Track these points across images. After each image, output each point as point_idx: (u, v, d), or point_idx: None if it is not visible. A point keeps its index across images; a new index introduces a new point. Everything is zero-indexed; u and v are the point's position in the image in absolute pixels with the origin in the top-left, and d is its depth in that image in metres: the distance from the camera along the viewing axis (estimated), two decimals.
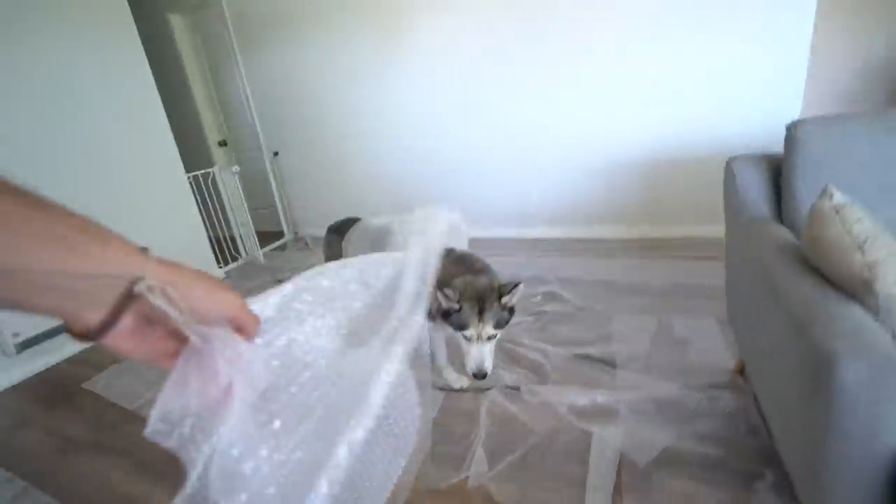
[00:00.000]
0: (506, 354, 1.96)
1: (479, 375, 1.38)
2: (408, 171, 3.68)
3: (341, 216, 3.95)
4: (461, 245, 1.70)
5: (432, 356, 1.80)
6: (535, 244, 3.25)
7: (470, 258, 1.56)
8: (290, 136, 4.05)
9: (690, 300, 2.20)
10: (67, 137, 2.62)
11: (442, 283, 1.40)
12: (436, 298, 1.35)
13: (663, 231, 3.00)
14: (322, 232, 4.24)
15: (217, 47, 4.01)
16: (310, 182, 4.16)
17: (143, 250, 0.36)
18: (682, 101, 2.71)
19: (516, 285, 1.39)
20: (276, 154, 4.13)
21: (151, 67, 4.15)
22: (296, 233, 4.36)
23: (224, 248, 3.63)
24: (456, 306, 1.33)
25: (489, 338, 1.39)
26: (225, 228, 3.74)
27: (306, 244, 4.00)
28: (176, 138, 4.36)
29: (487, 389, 1.76)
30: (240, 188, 3.56)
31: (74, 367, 2.45)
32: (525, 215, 3.39)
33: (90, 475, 1.65)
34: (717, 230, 2.71)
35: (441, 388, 1.82)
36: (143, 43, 4.03)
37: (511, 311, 1.44)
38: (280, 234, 4.27)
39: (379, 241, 1.50)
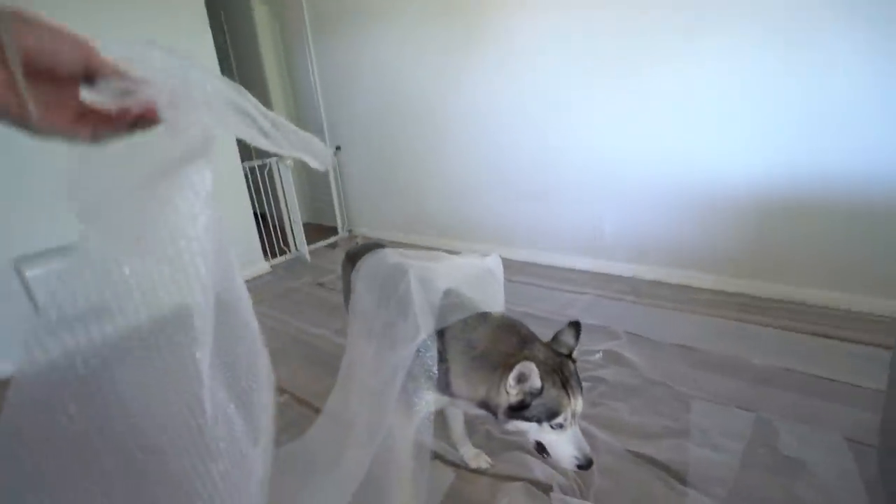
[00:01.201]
0: None
1: (588, 465, 1.06)
2: (471, 180, 3.34)
3: (397, 220, 3.71)
4: (497, 295, 1.34)
5: (448, 427, 1.46)
6: (606, 282, 2.76)
7: (517, 324, 1.20)
8: (354, 132, 3.89)
9: (808, 398, 1.63)
10: None
11: (499, 362, 1.07)
12: (501, 391, 1.05)
13: (776, 290, 2.37)
14: (375, 234, 4.08)
15: (293, 38, 3.95)
16: (368, 181, 3.98)
17: None
18: (821, 132, 2.08)
19: (577, 329, 1.15)
20: (338, 148, 3.99)
21: (233, 55, 4.22)
22: (349, 231, 4.22)
23: (273, 241, 3.56)
24: (538, 385, 1.01)
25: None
26: (277, 221, 3.67)
27: (356, 244, 3.82)
28: None
29: (511, 480, 1.38)
30: (292, 183, 3.45)
31: None
32: (597, 245, 2.91)
33: None
34: (860, 301, 2.08)
35: (453, 464, 1.47)
36: (228, 30, 4.10)
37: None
38: (334, 231, 4.15)
39: (390, 282, 1.19)
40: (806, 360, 1.83)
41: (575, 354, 1.14)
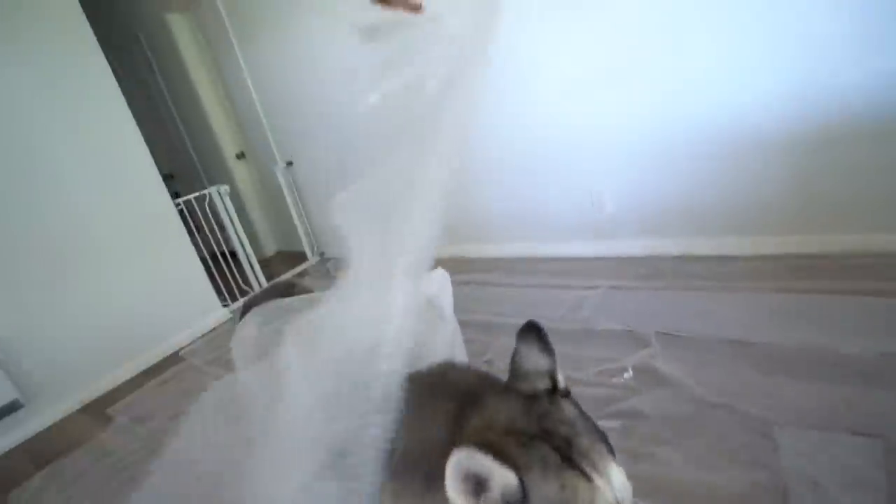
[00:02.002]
0: None
1: None
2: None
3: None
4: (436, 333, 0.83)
5: None
6: (620, 267, 2.24)
7: (449, 375, 0.69)
8: (306, 145, 3.39)
9: None
10: (26, 180, 2.17)
11: (422, 463, 0.59)
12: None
13: (836, 242, 1.84)
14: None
15: (221, 49, 3.47)
16: (329, 195, 3.47)
17: None
18: (869, 33, 1.54)
19: (539, 335, 0.63)
20: (289, 164, 3.50)
21: (161, 76, 3.74)
22: (322, 254, 3.73)
23: (229, 280, 3.08)
24: (513, 484, 0.48)
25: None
26: (230, 255, 3.19)
27: (328, 271, 3.34)
28: (195, 153, 3.96)
29: None
30: (231, 210, 2.97)
31: (13, 463, 1.96)
32: (601, 224, 2.38)
33: None
34: None
35: None
36: (150, 49, 3.63)
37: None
38: (303, 257, 3.66)
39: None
40: None
41: (562, 382, 0.63)
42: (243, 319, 0.93)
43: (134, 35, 3.64)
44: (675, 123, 1.99)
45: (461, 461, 0.47)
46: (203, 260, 2.89)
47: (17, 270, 2.15)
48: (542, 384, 0.60)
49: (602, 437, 0.56)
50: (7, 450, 2.04)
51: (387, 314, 0.74)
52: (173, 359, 2.55)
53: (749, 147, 1.88)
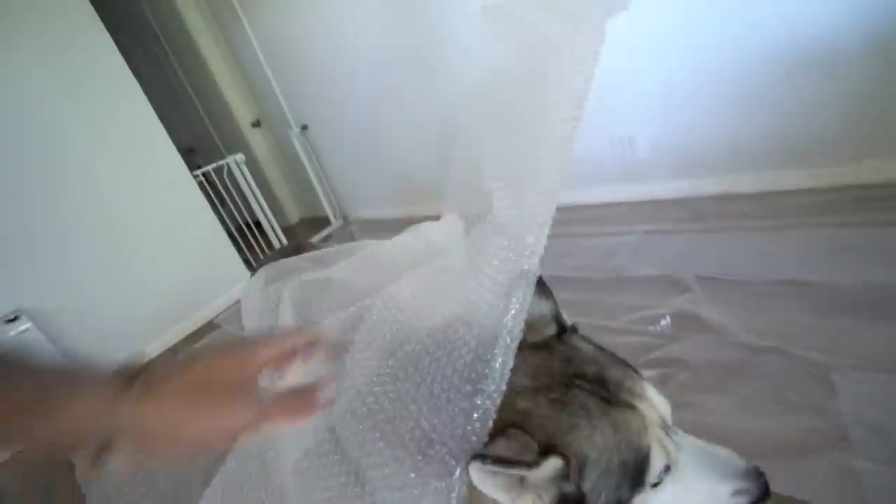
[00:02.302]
0: None
1: (765, 492, 0.48)
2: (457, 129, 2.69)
3: (387, 194, 3.14)
4: (449, 283, 0.75)
5: None
6: (657, 210, 2.09)
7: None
8: (321, 109, 3.29)
9: None
10: (51, 167, 2.19)
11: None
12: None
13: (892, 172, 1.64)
14: (371, 214, 3.54)
15: (226, 16, 3.34)
16: (348, 159, 3.40)
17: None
18: None
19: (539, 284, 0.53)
20: (304, 128, 3.43)
21: (171, 50, 3.68)
22: (344, 218, 3.70)
23: (255, 250, 3.11)
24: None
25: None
26: (256, 225, 3.21)
27: (352, 234, 3.32)
28: (211, 125, 3.94)
29: None
30: (249, 178, 2.95)
31: None
32: (633, 165, 2.22)
33: None
34: None
35: None
36: (156, 25, 3.56)
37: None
38: (327, 222, 3.64)
39: (265, 319, 0.67)
40: None
41: (567, 320, 0.57)
42: (252, 278, 0.89)
43: (140, 11, 3.55)
44: (711, 46, 1.78)
45: (482, 479, 0.41)
46: (230, 233, 2.92)
47: (56, 252, 2.21)
48: (550, 331, 0.53)
49: (624, 361, 0.52)
50: None
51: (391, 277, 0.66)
52: (209, 327, 2.63)
53: (801, 67, 1.66)
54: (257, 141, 3.93)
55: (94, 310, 2.31)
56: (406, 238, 0.83)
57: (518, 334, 0.46)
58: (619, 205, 2.26)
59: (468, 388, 0.45)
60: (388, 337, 0.55)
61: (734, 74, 1.79)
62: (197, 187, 2.75)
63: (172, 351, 2.49)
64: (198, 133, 4.06)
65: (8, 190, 2.08)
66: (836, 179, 1.75)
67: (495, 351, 0.45)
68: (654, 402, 0.49)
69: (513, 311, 0.46)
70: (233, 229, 3.00)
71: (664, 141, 2.08)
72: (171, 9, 3.40)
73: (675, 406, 1.03)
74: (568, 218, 2.31)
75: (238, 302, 2.80)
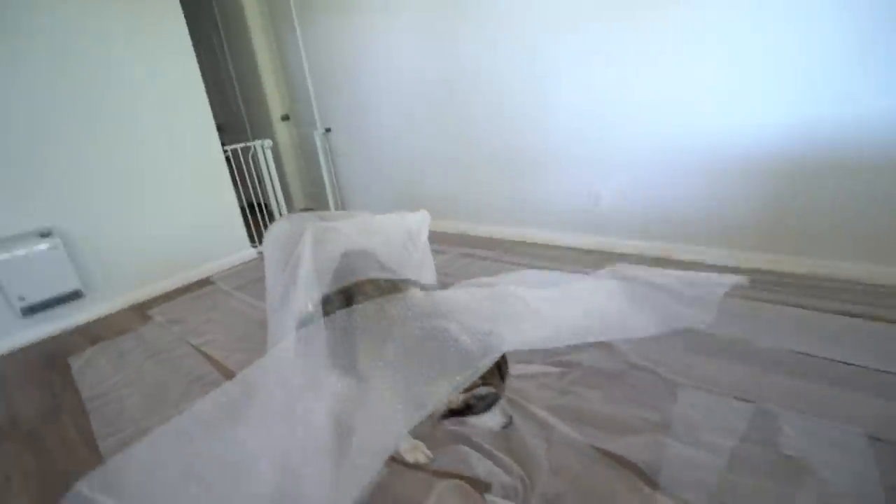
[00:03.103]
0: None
1: (510, 423, 1.10)
2: (455, 157, 3.12)
3: (387, 200, 3.53)
4: (412, 256, 1.13)
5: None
6: (604, 260, 2.49)
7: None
8: (344, 114, 3.73)
9: (824, 386, 1.35)
10: (106, 111, 2.56)
11: None
12: None
13: (794, 264, 2.06)
14: None
15: (282, 21, 3.82)
16: (359, 162, 3.82)
17: None
18: (843, 78, 1.74)
19: None
20: (327, 130, 3.85)
21: (225, 37, 4.14)
22: None
23: (260, 227, 3.46)
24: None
25: None
26: (265, 206, 3.56)
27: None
28: (245, 110, 4.36)
29: (449, 477, 1.18)
30: (271, 163, 3.33)
31: (72, 338, 2.38)
32: (595, 219, 2.63)
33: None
34: (891, 274, 1.77)
35: (391, 458, 1.29)
36: (216, 7, 4.01)
37: None
38: None
39: (290, 246, 1.02)
40: (825, 342, 1.53)
41: None
42: (278, 220, 1.24)
43: (209, 1, 4.03)
44: (671, 134, 2.22)
45: (485, 396, 0.85)
46: (241, 208, 3.27)
47: (91, 183, 2.54)
48: None
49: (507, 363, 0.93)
50: (70, 328, 2.47)
51: (377, 233, 1.05)
52: (205, 282, 2.94)
53: (733, 167, 2.09)
54: (282, 133, 4.34)
55: (110, 243, 2.63)
56: (392, 216, 1.22)
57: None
58: (579, 250, 2.66)
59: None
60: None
61: (679, 161, 2.23)
62: (223, 160, 3.12)
63: (167, 296, 2.79)
64: (230, 114, 4.48)
65: (68, 124, 2.43)
66: (747, 263, 2.16)
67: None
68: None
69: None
70: (245, 205, 3.35)
71: (622, 203, 2.50)
72: (235, 3, 3.87)
73: (562, 393, 1.39)
74: (536, 252, 2.71)
75: (234, 267, 3.13)
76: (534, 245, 2.85)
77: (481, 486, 1.14)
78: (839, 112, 1.79)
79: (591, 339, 1.51)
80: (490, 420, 0.99)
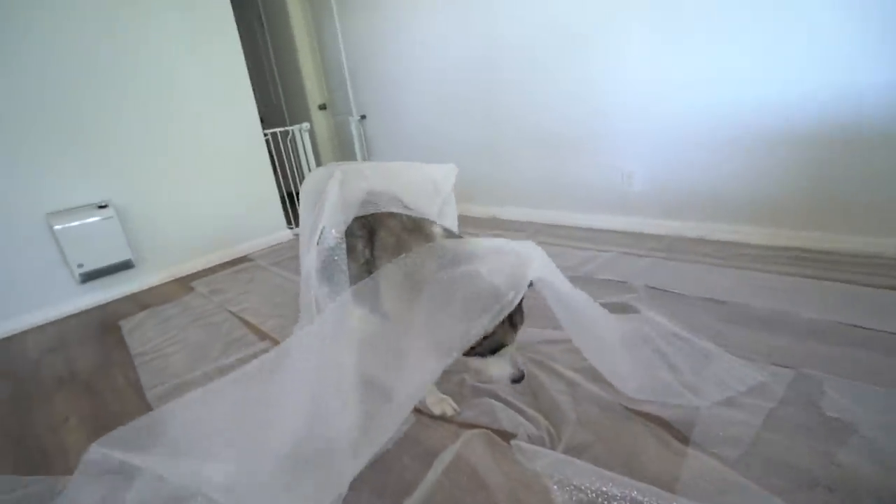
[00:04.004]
0: (530, 381, 1.35)
1: (521, 377, 1.02)
2: (486, 140, 3.13)
3: None
4: (433, 203, 1.16)
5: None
6: (637, 240, 2.44)
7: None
8: (379, 100, 3.81)
9: (869, 353, 1.28)
10: (158, 97, 2.72)
11: None
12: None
13: (841, 242, 1.95)
14: None
15: (321, 7, 3.93)
16: (393, 147, 3.88)
17: None
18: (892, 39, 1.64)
19: None
20: (363, 117, 3.94)
21: (268, 28, 4.30)
22: None
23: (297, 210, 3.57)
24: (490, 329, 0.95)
25: None
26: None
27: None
28: (284, 100, 4.51)
29: (472, 428, 1.20)
30: (308, 145, 3.44)
31: (123, 305, 2.54)
32: (628, 200, 2.58)
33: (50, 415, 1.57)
34: None
35: (416, 409, 1.31)
36: (262, 4, 4.18)
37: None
38: None
39: (320, 186, 1.07)
40: (874, 315, 1.45)
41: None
42: (311, 172, 1.29)
43: None
44: (708, 110, 2.16)
45: None
46: (281, 196, 3.40)
47: (144, 162, 2.71)
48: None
49: (523, 313, 1.00)
50: (121, 296, 2.64)
51: (401, 178, 1.09)
52: (244, 259, 3.08)
53: (775, 141, 2.01)
54: (319, 122, 4.47)
55: (158, 218, 2.79)
56: (418, 164, 1.26)
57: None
58: (610, 232, 2.61)
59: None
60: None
61: (716, 137, 2.16)
62: (264, 143, 3.25)
63: (209, 271, 2.93)
64: (270, 105, 4.64)
65: (127, 108, 2.60)
66: (787, 241, 2.07)
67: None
68: (517, 333, 0.99)
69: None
70: (283, 194, 3.48)
71: (655, 184, 2.44)
72: None
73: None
74: (566, 234, 2.68)
75: (272, 246, 3.25)
76: (564, 227, 2.82)
77: (506, 436, 1.15)
78: (891, 78, 1.69)
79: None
80: (497, 367, 0.99)
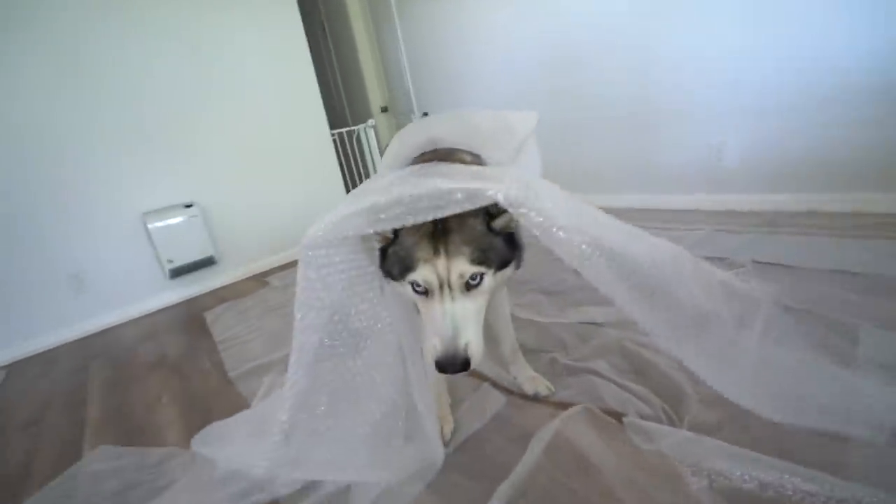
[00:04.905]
0: (633, 359, 1.21)
1: (451, 365, 0.71)
2: (561, 125, 2.99)
3: None
4: (507, 146, 1.05)
5: (496, 341, 1.19)
6: (731, 217, 2.20)
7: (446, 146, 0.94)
8: (440, 97, 3.79)
9: None
10: (235, 102, 2.87)
11: None
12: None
13: None
14: None
15: (381, 10, 4.01)
16: None
17: None
18: None
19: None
20: (424, 115, 3.93)
21: (330, 36, 4.45)
22: None
23: None
24: (390, 235, 0.78)
25: (467, 287, 0.73)
26: None
27: None
28: (347, 104, 4.63)
29: (578, 406, 1.07)
30: (373, 141, 3.48)
31: (206, 298, 2.66)
32: (718, 176, 2.34)
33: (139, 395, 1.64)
34: None
35: (506, 390, 1.21)
36: (324, 11, 4.34)
37: (513, 242, 0.79)
38: None
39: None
40: None
41: (502, 222, 0.76)
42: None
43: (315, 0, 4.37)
44: (809, 66, 1.90)
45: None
46: None
47: (223, 166, 2.85)
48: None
49: (474, 240, 0.74)
50: (205, 291, 2.79)
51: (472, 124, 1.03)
52: None
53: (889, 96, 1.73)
54: (381, 123, 4.53)
55: (236, 217, 2.92)
56: (491, 112, 1.18)
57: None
58: (696, 211, 2.38)
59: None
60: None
61: (820, 96, 1.89)
62: (331, 144, 3.33)
63: (281, 268, 3.02)
64: (333, 109, 4.78)
65: (207, 114, 2.76)
66: None
67: None
68: (446, 260, 0.72)
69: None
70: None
71: (751, 155, 2.19)
72: (339, 2, 4.15)
73: None
74: (651, 216, 2.48)
75: None
76: (648, 211, 2.61)
77: (615, 415, 1.02)
78: None
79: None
80: (427, 335, 0.74)
